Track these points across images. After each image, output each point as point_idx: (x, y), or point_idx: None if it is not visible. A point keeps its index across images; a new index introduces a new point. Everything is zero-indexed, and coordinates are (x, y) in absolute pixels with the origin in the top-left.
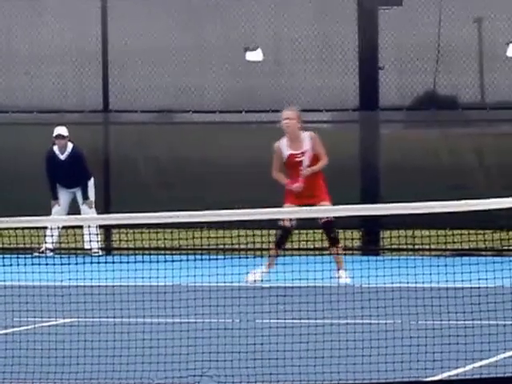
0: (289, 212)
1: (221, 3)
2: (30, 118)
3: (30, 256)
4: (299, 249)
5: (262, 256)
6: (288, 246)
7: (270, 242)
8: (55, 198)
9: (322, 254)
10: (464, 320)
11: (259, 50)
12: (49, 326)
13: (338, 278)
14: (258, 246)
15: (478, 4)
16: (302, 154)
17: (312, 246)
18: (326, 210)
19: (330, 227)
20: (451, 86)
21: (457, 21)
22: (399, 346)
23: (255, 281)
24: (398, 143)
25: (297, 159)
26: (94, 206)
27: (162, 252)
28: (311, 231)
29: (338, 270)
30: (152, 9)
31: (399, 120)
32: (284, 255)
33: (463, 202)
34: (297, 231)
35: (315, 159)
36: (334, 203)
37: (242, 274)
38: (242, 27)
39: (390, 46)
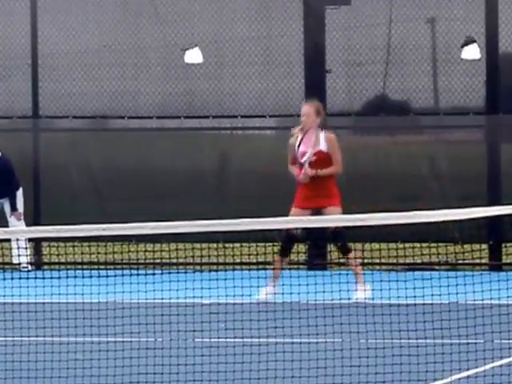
0: (225, 224)
1: (157, 1)
2: None
3: None
4: (241, 263)
5: (201, 271)
6: (229, 260)
7: (209, 256)
8: None
9: (265, 269)
10: (416, 338)
11: (199, 52)
12: None
13: (356, 292)
14: (197, 260)
15: (431, 3)
16: (314, 154)
17: (255, 261)
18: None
19: (339, 237)
20: (403, 90)
21: (409, 21)
22: (347, 366)
23: (266, 297)
24: (346, 150)
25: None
26: (22, 217)
27: (96, 267)
28: (254, 244)
29: (356, 283)
30: (85, 8)
31: (347, 126)
32: (225, 270)
33: (415, 213)
34: (238, 244)
35: (329, 162)
36: (279, 215)
37: (180, 289)
38: (181, 27)
39: (338, 47)
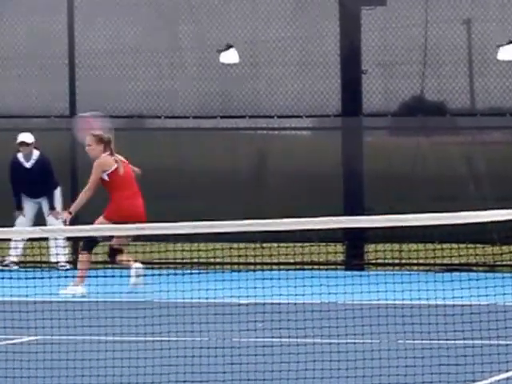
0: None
1: (193, 2)
2: None
3: None
4: (279, 263)
5: (239, 271)
6: (266, 259)
7: (247, 256)
8: (19, 208)
9: (303, 269)
10: (454, 339)
11: (235, 52)
12: (13, 344)
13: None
14: (234, 260)
15: (467, 4)
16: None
17: (292, 261)
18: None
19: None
20: (439, 90)
21: (444, 22)
22: (386, 366)
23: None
24: (382, 151)
25: None
26: (60, 217)
27: None
28: (292, 244)
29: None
30: (122, 8)
31: (384, 127)
32: (263, 269)
33: (453, 214)
34: (276, 244)
35: (105, 183)
36: (316, 215)
37: (217, 289)
38: (217, 27)
39: (374, 48)
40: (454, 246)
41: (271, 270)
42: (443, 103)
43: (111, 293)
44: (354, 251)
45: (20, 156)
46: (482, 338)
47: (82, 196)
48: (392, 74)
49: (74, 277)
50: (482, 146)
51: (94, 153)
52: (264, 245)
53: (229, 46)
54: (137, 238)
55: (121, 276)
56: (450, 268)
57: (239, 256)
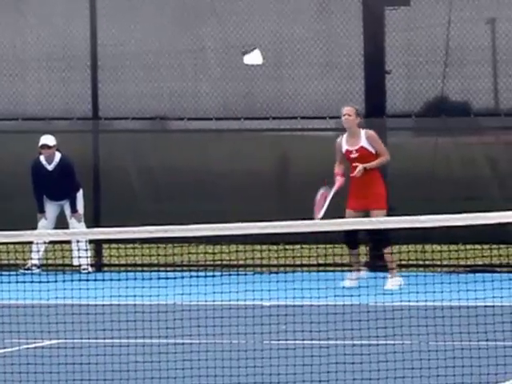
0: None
1: (217, 3)
2: (13, 125)
3: (14, 273)
4: (301, 265)
5: (261, 273)
6: (289, 261)
7: (270, 258)
8: (41, 210)
9: (326, 271)
10: (478, 341)
11: (258, 53)
12: (34, 347)
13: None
14: (257, 262)
15: (491, 4)
16: (357, 151)
17: (315, 262)
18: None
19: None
20: (463, 91)
21: (468, 22)
22: (409, 368)
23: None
24: (406, 152)
25: (351, 155)
26: (83, 219)
27: (156, 268)
28: (315, 246)
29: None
30: (144, 9)
31: (407, 127)
32: (285, 272)
33: (476, 214)
34: (299, 246)
35: (372, 157)
36: (339, 216)
37: (240, 291)
38: (240, 28)
39: (398, 48)
40: (478, 246)
41: (294, 271)
42: (467, 103)
43: (133, 296)
44: (378, 252)
45: (42, 159)
46: (505, 340)
47: (383, 160)
48: (416, 74)
49: (96, 280)
50: (506, 146)
51: (351, 123)
52: (287, 246)
53: (252, 47)
54: (160, 239)
55: (143, 279)
56: (474, 269)
57: (262, 258)
